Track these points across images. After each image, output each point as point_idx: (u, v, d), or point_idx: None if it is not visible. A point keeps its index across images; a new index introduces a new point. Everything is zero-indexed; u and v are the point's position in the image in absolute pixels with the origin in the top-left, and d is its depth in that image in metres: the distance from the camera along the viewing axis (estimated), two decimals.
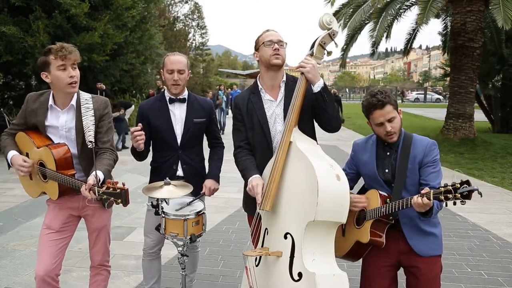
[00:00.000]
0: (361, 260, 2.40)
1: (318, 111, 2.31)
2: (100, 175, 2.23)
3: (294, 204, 2.03)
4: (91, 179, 2.17)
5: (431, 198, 1.86)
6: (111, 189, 2.05)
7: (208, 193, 2.74)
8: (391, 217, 2.16)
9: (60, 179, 2.28)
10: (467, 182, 1.76)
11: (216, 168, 2.85)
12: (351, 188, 2.48)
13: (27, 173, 2.40)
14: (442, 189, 1.82)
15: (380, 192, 2.22)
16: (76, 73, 2.32)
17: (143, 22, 13.70)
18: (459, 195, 1.76)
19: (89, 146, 2.28)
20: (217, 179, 2.82)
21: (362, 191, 2.46)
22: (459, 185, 1.77)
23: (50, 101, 2.39)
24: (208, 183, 2.76)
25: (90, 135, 2.34)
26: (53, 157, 2.28)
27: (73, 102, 2.40)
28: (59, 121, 2.39)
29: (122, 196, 2.04)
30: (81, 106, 2.40)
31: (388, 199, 2.19)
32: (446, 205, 1.88)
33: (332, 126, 2.35)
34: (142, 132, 2.44)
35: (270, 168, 2.18)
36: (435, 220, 2.24)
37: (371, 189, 2.32)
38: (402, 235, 2.21)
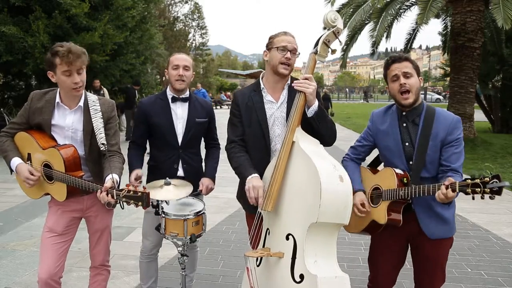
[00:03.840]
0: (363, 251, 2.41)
1: (312, 128, 2.27)
2: (117, 178, 2.24)
3: (296, 205, 2.02)
4: (109, 183, 2.17)
5: (457, 190, 1.80)
6: (132, 192, 2.06)
7: (204, 191, 2.72)
8: (409, 198, 2.10)
9: (70, 181, 2.24)
10: (497, 177, 1.69)
11: (213, 168, 2.85)
12: (363, 159, 2.45)
13: (33, 185, 2.34)
14: (469, 181, 1.75)
15: (396, 171, 2.16)
16: (82, 77, 2.28)
17: (143, 22, 13.69)
18: (488, 190, 1.69)
19: (101, 149, 2.29)
20: (213, 179, 2.81)
21: (375, 162, 2.42)
22: (488, 180, 1.70)
23: (57, 99, 2.36)
24: (205, 181, 2.75)
25: (102, 138, 2.33)
26: (62, 158, 2.24)
27: (81, 103, 2.38)
28: (66, 121, 2.36)
29: (144, 199, 2.04)
30: (90, 108, 2.38)
31: (405, 178, 2.13)
32: (473, 198, 1.79)
33: (324, 142, 2.29)
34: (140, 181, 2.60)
35: (272, 168, 2.16)
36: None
37: (386, 161, 2.28)
38: (414, 217, 2.17)
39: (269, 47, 2.33)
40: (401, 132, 2.22)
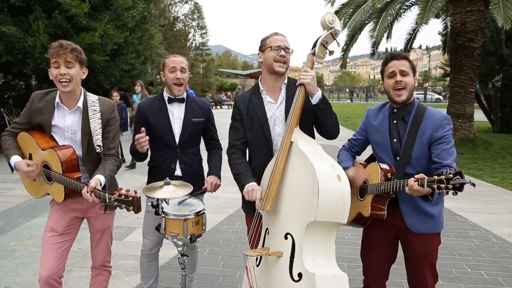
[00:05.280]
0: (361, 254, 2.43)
1: (317, 120, 2.33)
2: (102, 179, 2.24)
3: (294, 204, 2.03)
4: (93, 182, 2.18)
5: (425, 186, 1.85)
6: (123, 196, 2.07)
7: (210, 188, 2.73)
8: (391, 192, 2.15)
9: (66, 182, 2.25)
10: (460, 174, 1.75)
11: (217, 167, 2.86)
12: (358, 154, 2.53)
13: (38, 175, 2.36)
14: (436, 177, 1.81)
15: (381, 166, 2.21)
16: (71, 71, 2.26)
17: (143, 22, 13.69)
18: (450, 186, 1.75)
19: (97, 150, 2.30)
20: (218, 176, 2.82)
21: (371, 159, 2.47)
22: (452, 176, 1.76)
23: (57, 99, 2.36)
24: (210, 178, 2.76)
25: (98, 139, 2.33)
26: (59, 159, 2.25)
27: (80, 103, 2.38)
28: (65, 122, 2.37)
29: (135, 204, 2.05)
30: (88, 108, 2.38)
31: (389, 174, 2.18)
32: (439, 194, 1.87)
33: (328, 134, 2.35)
34: (147, 137, 2.46)
35: (271, 168, 2.18)
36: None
37: (378, 157, 2.33)
38: (399, 212, 2.22)
39: (262, 48, 2.39)
40: (390, 128, 2.27)
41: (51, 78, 2.30)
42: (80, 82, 2.36)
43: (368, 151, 2.52)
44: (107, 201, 2.10)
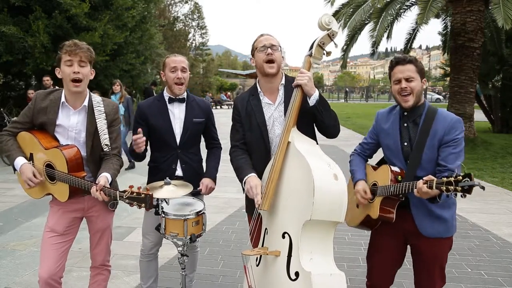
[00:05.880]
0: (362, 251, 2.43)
1: (316, 120, 2.33)
2: (109, 177, 2.26)
3: (291, 203, 2.04)
4: (102, 181, 2.18)
5: (434, 187, 1.82)
6: (135, 193, 2.09)
7: (204, 190, 2.73)
8: (401, 195, 2.13)
9: (72, 181, 2.25)
10: (469, 176, 1.71)
11: (214, 169, 2.86)
12: (370, 157, 2.52)
13: (33, 187, 2.34)
14: (445, 179, 1.78)
15: (392, 168, 2.20)
16: (83, 70, 2.29)
17: (143, 22, 13.72)
18: (459, 188, 1.72)
19: (105, 149, 2.32)
20: (214, 179, 2.82)
21: (382, 162, 2.47)
22: (461, 178, 1.73)
23: (63, 99, 2.36)
24: (205, 181, 2.76)
25: (105, 139, 2.35)
26: (65, 159, 2.25)
27: (85, 103, 2.39)
28: (70, 122, 2.37)
29: (147, 201, 2.07)
30: (94, 109, 2.39)
31: (399, 176, 2.16)
32: (448, 196, 1.83)
33: (328, 133, 2.36)
34: (144, 138, 2.47)
35: (269, 168, 2.19)
36: (449, 202, 2.18)
37: (389, 160, 2.32)
38: (410, 215, 2.20)
39: (252, 52, 2.41)
40: (401, 132, 2.25)
41: (59, 76, 2.31)
42: (88, 83, 2.38)
43: (379, 154, 2.51)
44: (118, 199, 2.11)
